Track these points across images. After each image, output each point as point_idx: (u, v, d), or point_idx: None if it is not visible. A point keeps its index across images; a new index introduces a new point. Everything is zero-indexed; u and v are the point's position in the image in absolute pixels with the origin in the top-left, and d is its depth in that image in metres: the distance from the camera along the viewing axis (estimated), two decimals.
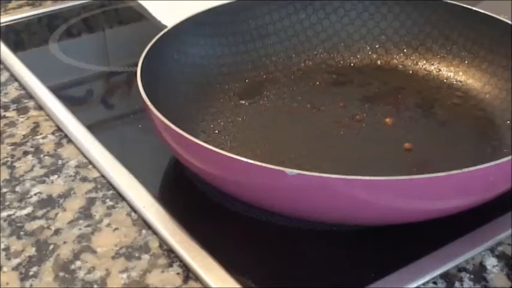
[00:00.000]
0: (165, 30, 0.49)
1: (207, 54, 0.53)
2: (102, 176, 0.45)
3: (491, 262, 0.36)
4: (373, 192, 0.33)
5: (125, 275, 0.36)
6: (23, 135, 0.50)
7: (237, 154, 0.34)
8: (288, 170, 0.32)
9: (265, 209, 0.39)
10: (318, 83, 0.54)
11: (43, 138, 0.50)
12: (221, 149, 0.34)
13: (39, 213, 0.41)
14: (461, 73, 0.53)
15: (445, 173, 0.32)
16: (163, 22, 0.69)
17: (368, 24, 0.57)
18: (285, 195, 0.35)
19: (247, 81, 0.54)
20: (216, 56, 0.53)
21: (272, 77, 0.55)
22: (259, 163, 0.33)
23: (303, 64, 0.56)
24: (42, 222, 0.40)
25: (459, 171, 0.32)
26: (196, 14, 0.52)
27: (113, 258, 0.37)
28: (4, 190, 0.44)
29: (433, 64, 0.54)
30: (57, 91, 0.56)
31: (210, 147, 0.35)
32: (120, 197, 0.42)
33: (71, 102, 0.55)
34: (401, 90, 0.52)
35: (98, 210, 0.41)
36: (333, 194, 0.33)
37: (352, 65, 0.56)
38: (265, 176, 0.34)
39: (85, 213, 0.41)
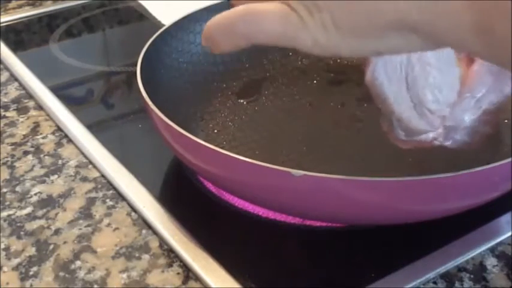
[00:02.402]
0: (163, 28, 0.49)
1: (203, 52, 0.53)
2: (102, 176, 0.45)
3: (491, 262, 0.36)
4: (378, 193, 0.33)
5: (125, 275, 0.36)
6: (23, 135, 0.50)
7: (237, 154, 0.34)
8: (293, 171, 0.32)
9: (268, 208, 0.39)
10: (315, 81, 0.54)
11: (43, 138, 0.50)
12: (221, 148, 0.34)
13: (39, 213, 0.41)
14: None
15: (446, 174, 0.32)
16: (164, 22, 0.69)
17: None
18: (289, 195, 0.34)
19: (244, 79, 0.53)
20: (212, 54, 0.53)
21: (269, 75, 0.54)
22: (265, 164, 0.33)
23: (299, 62, 0.56)
24: (42, 222, 0.40)
25: (460, 172, 0.32)
26: (193, 12, 0.52)
27: (113, 258, 0.37)
28: (4, 190, 0.44)
29: None
30: (57, 91, 0.56)
31: (213, 147, 0.35)
32: (120, 197, 0.42)
33: (71, 102, 0.55)
34: None
35: (98, 210, 0.41)
36: (339, 195, 0.33)
37: (349, 63, 0.56)
38: (270, 177, 0.34)
39: (85, 213, 0.41)
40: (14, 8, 0.77)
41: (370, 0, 0.24)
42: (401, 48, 0.26)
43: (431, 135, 0.35)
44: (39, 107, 0.54)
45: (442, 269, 0.36)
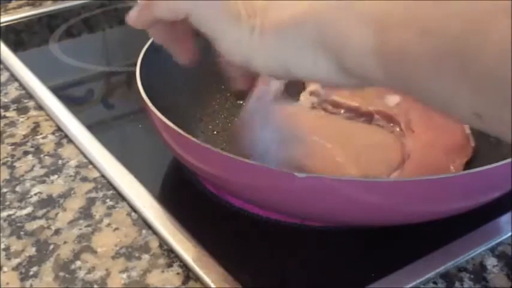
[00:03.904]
0: None
1: (203, 53, 0.52)
2: (102, 176, 0.45)
3: (491, 262, 0.36)
4: (378, 193, 0.33)
5: (125, 275, 0.36)
6: (23, 135, 0.50)
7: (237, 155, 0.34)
8: (297, 173, 0.32)
9: (267, 209, 0.39)
10: None
11: (43, 138, 0.50)
12: (220, 149, 0.34)
13: (39, 213, 0.41)
14: None
15: (446, 174, 0.32)
16: None
17: None
18: (292, 197, 0.34)
19: None
20: (211, 54, 0.53)
21: None
22: (265, 164, 0.33)
23: None
24: (42, 222, 0.40)
25: (460, 172, 0.32)
26: None
27: (113, 258, 0.37)
28: (4, 190, 0.44)
29: None
30: (57, 91, 0.56)
31: (213, 148, 0.35)
32: (120, 197, 0.42)
33: (71, 102, 0.55)
34: None
35: (98, 210, 0.41)
36: (340, 196, 0.33)
37: None
38: (273, 179, 0.34)
39: (85, 213, 0.41)
40: (14, 8, 0.77)
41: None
42: (309, 71, 0.28)
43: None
44: (39, 107, 0.54)
45: (442, 269, 0.36)
